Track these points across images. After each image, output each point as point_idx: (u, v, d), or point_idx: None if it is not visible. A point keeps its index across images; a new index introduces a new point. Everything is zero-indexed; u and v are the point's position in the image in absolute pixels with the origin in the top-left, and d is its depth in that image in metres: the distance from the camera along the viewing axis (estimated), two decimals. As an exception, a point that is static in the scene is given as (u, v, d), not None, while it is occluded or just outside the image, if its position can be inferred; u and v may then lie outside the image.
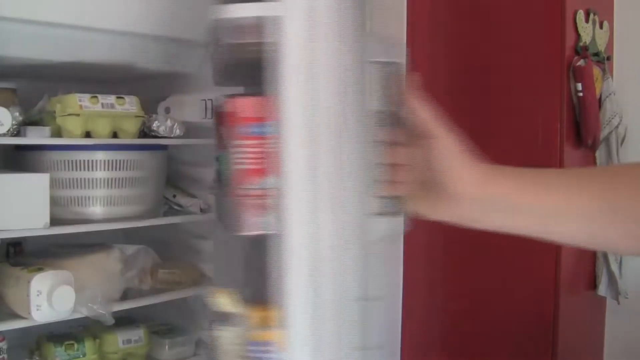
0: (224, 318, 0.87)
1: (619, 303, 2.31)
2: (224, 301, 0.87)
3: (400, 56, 0.85)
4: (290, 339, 0.79)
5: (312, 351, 0.79)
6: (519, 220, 0.78)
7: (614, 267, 2.28)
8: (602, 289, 2.29)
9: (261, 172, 0.83)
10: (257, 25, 0.79)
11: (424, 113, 0.79)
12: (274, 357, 0.82)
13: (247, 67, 0.91)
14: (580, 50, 2.09)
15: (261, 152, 0.83)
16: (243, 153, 0.83)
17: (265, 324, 0.83)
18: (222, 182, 1.00)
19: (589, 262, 2.30)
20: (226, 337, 0.87)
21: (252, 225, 0.82)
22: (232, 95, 0.85)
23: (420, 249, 2.20)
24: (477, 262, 2.11)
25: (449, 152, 0.77)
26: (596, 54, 2.21)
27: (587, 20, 2.14)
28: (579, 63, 2.07)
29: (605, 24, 2.29)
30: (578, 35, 2.10)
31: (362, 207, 0.79)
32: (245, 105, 0.84)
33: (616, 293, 2.29)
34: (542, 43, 2.04)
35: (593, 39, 2.19)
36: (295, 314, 0.79)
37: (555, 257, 2.01)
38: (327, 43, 0.77)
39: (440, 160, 0.77)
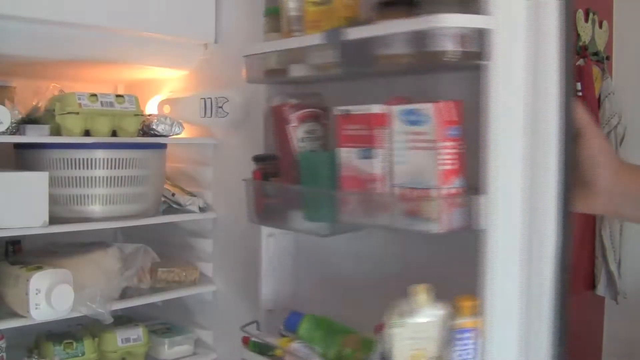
0: (406, 313, 0.94)
1: (617, 303, 2.31)
2: (423, 296, 0.93)
3: None
4: (496, 327, 0.90)
5: (518, 340, 0.90)
6: None
7: (613, 267, 2.28)
8: (601, 289, 2.29)
9: (457, 172, 0.93)
10: (468, 35, 0.89)
11: (580, 114, 0.92)
12: (476, 343, 0.92)
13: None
14: (580, 50, 2.10)
15: (457, 154, 0.93)
16: (446, 154, 0.91)
17: (468, 314, 0.92)
18: (321, 182, 1.09)
19: (588, 262, 2.31)
20: (401, 333, 0.94)
21: (454, 222, 0.92)
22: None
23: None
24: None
25: (598, 150, 0.91)
26: (595, 54, 2.21)
27: (586, 20, 2.15)
28: (578, 63, 2.07)
29: (605, 23, 2.29)
30: (578, 35, 2.10)
31: (559, 200, 0.90)
32: (450, 109, 0.92)
33: (615, 293, 2.29)
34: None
35: (592, 38, 2.19)
36: (502, 303, 0.90)
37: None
38: (546, 60, 0.89)
39: (590, 158, 0.90)
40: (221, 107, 1.50)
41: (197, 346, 1.58)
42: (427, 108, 0.92)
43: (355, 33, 1.01)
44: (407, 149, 0.96)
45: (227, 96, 1.49)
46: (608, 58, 2.32)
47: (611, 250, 2.29)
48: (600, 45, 2.25)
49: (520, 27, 0.89)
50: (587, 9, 2.14)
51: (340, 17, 1.06)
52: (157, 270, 1.50)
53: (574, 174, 0.91)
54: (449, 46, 0.89)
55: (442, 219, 0.91)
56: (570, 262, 0.90)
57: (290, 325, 1.18)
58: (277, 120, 1.18)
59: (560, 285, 0.90)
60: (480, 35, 0.89)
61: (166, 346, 1.52)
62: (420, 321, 0.94)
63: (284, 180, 1.19)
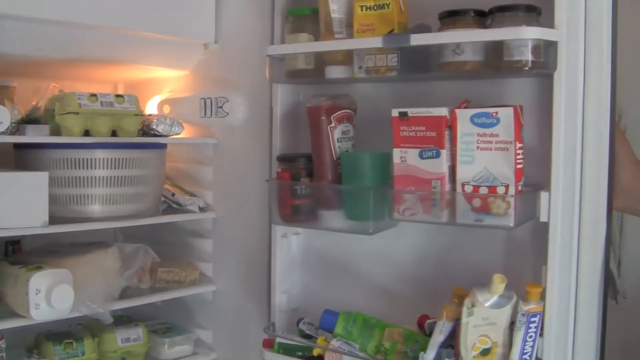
0: (475, 302, 1.03)
1: (617, 302, 2.31)
2: (500, 285, 1.02)
3: None
4: (556, 312, 1.03)
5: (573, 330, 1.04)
6: None
7: (613, 266, 2.28)
8: (601, 289, 2.29)
9: (523, 171, 1.03)
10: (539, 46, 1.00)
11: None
12: (540, 326, 1.03)
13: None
14: (580, 50, 2.09)
15: (523, 154, 1.03)
16: (519, 154, 1.02)
17: (536, 299, 1.02)
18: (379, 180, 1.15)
19: (588, 261, 2.30)
20: (471, 321, 1.03)
21: (522, 216, 1.02)
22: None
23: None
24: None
25: (624, 152, 1.03)
26: (595, 54, 2.20)
27: (586, 20, 2.14)
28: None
29: (605, 23, 2.29)
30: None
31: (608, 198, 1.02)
32: (520, 113, 1.03)
33: (615, 293, 2.29)
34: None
35: (592, 38, 2.19)
36: (561, 290, 1.03)
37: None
38: (601, 70, 1.07)
39: (617, 160, 1.00)
40: (221, 107, 1.50)
41: (197, 346, 1.58)
42: (505, 111, 1.02)
43: (421, 39, 1.07)
44: (475, 149, 1.04)
45: (227, 96, 1.49)
46: (608, 58, 2.32)
47: (611, 250, 2.29)
48: (600, 45, 2.25)
49: (580, 40, 1.03)
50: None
51: (395, 22, 1.11)
52: (157, 270, 1.50)
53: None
54: (525, 56, 0.99)
55: (513, 214, 1.00)
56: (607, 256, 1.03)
57: (326, 324, 1.20)
58: (314, 121, 1.21)
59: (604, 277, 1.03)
60: (548, 47, 1.01)
61: (166, 346, 1.52)
62: (493, 309, 1.03)
63: (321, 180, 1.21)
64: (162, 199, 1.53)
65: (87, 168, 1.33)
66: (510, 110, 1.01)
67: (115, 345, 1.43)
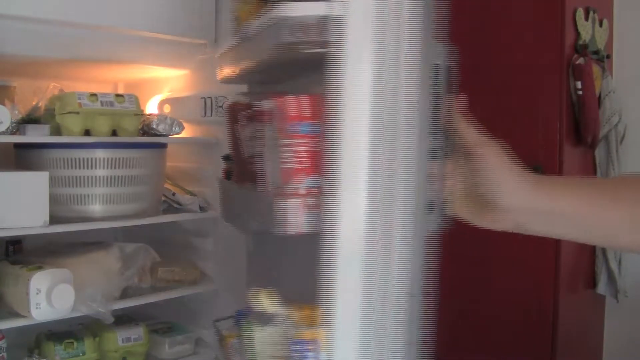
0: (262, 318, 0.87)
1: (618, 301, 2.31)
2: (265, 301, 0.88)
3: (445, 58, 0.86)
4: (337, 337, 0.77)
5: (360, 347, 0.78)
6: (582, 231, 0.81)
7: (614, 265, 2.28)
8: (602, 288, 2.29)
9: (308, 171, 0.85)
10: (318, 24, 0.79)
11: (467, 127, 0.82)
12: (318, 356, 0.82)
13: (268, 65, 0.95)
14: (580, 49, 2.09)
15: (308, 151, 0.84)
16: (292, 152, 0.84)
17: (308, 323, 0.84)
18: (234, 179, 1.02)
19: (589, 260, 2.31)
20: (260, 336, 0.88)
21: (301, 224, 0.83)
22: (278, 93, 0.86)
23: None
24: (476, 259, 2.11)
25: (496, 166, 0.79)
26: (596, 52, 2.21)
27: (586, 19, 2.14)
28: (578, 61, 2.07)
29: (605, 22, 2.29)
30: (578, 34, 2.10)
31: (416, 205, 0.78)
32: (296, 104, 0.85)
33: (615, 291, 2.29)
34: (542, 41, 2.04)
35: (592, 37, 2.19)
36: (345, 311, 0.77)
37: (555, 256, 2.01)
38: (394, 47, 0.75)
39: (487, 174, 0.79)
40: (221, 106, 1.50)
41: (198, 345, 1.58)
42: (266, 104, 0.87)
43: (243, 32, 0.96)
44: (254, 146, 0.93)
45: (227, 95, 1.49)
46: (608, 57, 2.32)
47: (611, 249, 2.29)
48: (600, 44, 2.24)
49: (371, 13, 0.74)
50: (587, 7, 2.14)
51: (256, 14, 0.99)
52: (158, 269, 1.50)
53: (470, 190, 0.82)
54: (290, 37, 0.81)
55: (288, 220, 0.82)
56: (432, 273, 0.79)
57: (238, 321, 1.11)
58: (229, 119, 1.12)
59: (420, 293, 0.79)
60: (328, 24, 0.76)
61: (167, 345, 1.52)
62: (265, 328, 0.87)
63: (235, 180, 1.12)
64: (163, 198, 1.53)
65: (88, 168, 1.33)
66: (269, 102, 0.87)
67: (116, 344, 1.43)
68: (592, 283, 2.31)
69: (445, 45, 0.85)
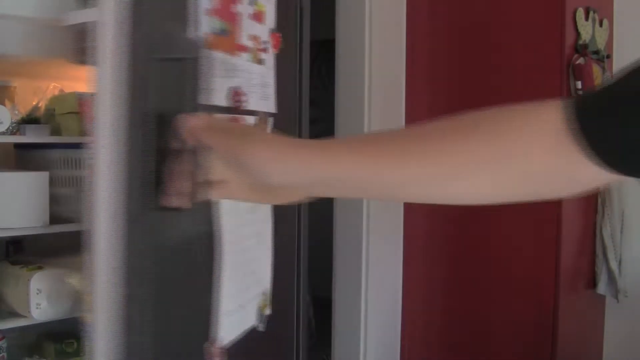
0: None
1: (618, 301, 2.31)
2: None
3: (195, 52, 0.83)
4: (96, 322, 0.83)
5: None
6: (364, 192, 0.81)
7: (614, 265, 2.28)
8: (602, 288, 2.29)
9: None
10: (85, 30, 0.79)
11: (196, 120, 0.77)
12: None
13: None
14: (580, 49, 2.09)
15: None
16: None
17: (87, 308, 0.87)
18: None
19: (589, 260, 2.31)
20: None
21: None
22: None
23: (419, 247, 2.20)
24: (476, 259, 2.11)
25: (253, 153, 0.73)
26: (596, 52, 2.20)
27: (586, 19, 2.14)
28: (578, 61, 2.07)
29: (605, 22, 2.29)
30: (578, 34, 2.10)
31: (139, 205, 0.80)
32: (88, 103, 0.85)
33: (615, 291, 2.29)
34: (542, 41, 2.04)
35: (593, 37, 2.19)
36: (99, 300, 0.84)
37: (555, 255, 2.01)
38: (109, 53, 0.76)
39: (249, 163, 0.73)
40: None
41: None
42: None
43: None
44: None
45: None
46: (608, 56, 2.32)
47: (612, 249, 2.29)
48: (601, 44, 2.24)
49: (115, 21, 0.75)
50: (587, 7, 2.14)
51: None
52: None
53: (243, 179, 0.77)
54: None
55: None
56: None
57: None
58: None
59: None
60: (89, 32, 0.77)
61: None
62: None
63: None
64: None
65: (88, 168, 1.33)
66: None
67: (116, 345, 1.43)
68: (592, 283, 2.31)
69: (195, 42, 0.84)
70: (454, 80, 2.14)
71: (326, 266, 2.21)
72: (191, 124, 0.75)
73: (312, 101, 1.34)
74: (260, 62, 1.06)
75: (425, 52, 2.19)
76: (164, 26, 0.80)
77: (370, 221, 2.13)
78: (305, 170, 0.73)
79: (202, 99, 0.86)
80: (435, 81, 2.18)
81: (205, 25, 0.87)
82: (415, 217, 2.19)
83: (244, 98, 0.99)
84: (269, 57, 1.10)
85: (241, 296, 1.02)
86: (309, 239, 1.34)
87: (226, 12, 0.93)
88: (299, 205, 1.28)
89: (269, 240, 1.13)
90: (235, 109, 0.97)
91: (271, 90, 1.11)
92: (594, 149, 0.62)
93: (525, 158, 0.66)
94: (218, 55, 0.90)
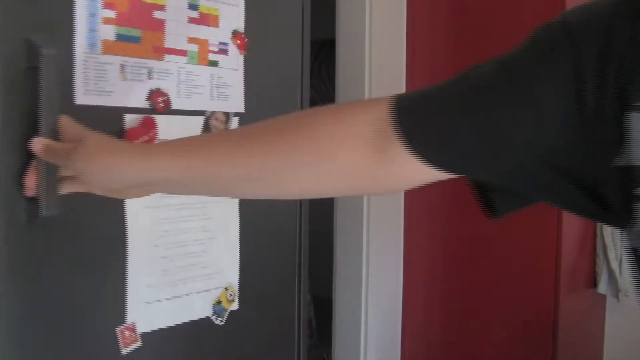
0: None
1: (619, 301, 2.31)
2: None
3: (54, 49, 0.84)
4: None
5: None
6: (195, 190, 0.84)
7: (614, 264, 2.28)
8: (602, 287, 2.29)
9: None
10: None
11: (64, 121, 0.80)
12: None
13: None
14: (580, 48, 2.09)
15: None
16: None
17: None
18: None
19: (589, 259, 2.31)
20: None
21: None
22: None
23: (419, 246, 2.20)
24: (476, 259, 2.12)
25: (85, 157, 0.75)
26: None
27: (587, 18, 2.14)
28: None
29: (605, 21, 2.29)
30: (578, 33, 2.09)
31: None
32: None
33: (616, 291, 2.29)
34: (542, 41, 2.04)
35: (593, 36, 2.19)
36: None
37: (556, 255, 2.01)
38: None
39: (84, 168, 0.76)
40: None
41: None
42: None
43: None
44: None
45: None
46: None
47: (612, 248, 2.29)
48: (601, 43, 2.24)
49: None
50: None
51: None
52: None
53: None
54: None
55: None
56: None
57: None
58: None
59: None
60: None
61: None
62: None
63: None
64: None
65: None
66: None
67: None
68: (593, 282, 2.31)
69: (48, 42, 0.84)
70: (454, 80, 2.14)
71: (326, 266, 2.21)
72: (32, 147, 0.78)
73: (312, 101, 1.34)
74: (209, 63, 1.08)
75: (426, 52, 2.19)
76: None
77: (370, 221, 2.13)
78: (134, 174, 0.76)
79: (86, 100, 0.90)
80: (435, 81, 2.18)
81: (102, 33, 0.91)
82: (415, 217, 2.19)
83: (164, 99, 1.02)
84: (229, 59, 1.11)
85: (171, 289, 1.04)
86: (309, 239, 1.35)
87: (140, 19, 0.97)
88: (299, 205, 1.28)
89: (232, 236, 1.14)
90: (157, 109, 1.00)
91: (232, 91, 1.12)
92: (408, 139, 0.66)
93: (333, 157, 0.70)
94: (126, 60, 0.95)
